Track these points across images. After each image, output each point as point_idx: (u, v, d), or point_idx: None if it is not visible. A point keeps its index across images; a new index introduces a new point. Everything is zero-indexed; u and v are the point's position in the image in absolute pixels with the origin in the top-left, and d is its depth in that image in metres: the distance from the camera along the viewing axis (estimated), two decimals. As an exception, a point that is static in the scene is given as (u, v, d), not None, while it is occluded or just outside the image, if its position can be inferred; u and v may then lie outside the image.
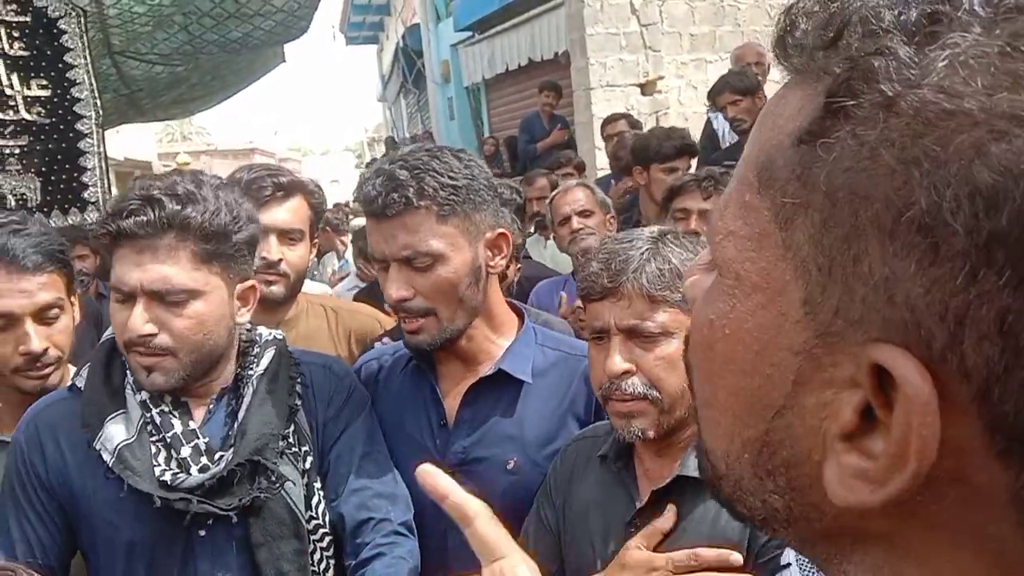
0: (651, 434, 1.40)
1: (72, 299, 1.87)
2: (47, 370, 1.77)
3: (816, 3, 0.43)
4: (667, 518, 1.38)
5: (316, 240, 2.31)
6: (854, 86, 0.39)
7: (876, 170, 0.37)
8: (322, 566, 1.62)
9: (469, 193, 1.60)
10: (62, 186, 5.42)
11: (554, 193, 3.59)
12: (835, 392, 0.41)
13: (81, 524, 1.56)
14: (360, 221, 8.91)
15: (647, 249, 1.42)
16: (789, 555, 1.36)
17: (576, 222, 3.36)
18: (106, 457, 1.50)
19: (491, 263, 1.67)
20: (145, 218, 1.41)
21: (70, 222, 5.40)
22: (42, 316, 1.76)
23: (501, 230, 1.67)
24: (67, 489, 1.55)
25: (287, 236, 2.17)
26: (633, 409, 1.40)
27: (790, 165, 0.42)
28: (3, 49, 5.16)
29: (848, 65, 0.39)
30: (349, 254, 7.41)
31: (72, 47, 5.44)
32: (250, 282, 1.60)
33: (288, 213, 2.18)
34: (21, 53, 5.27)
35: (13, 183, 5.26)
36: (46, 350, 1.75)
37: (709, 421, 0.51)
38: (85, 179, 5.54)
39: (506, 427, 1.70)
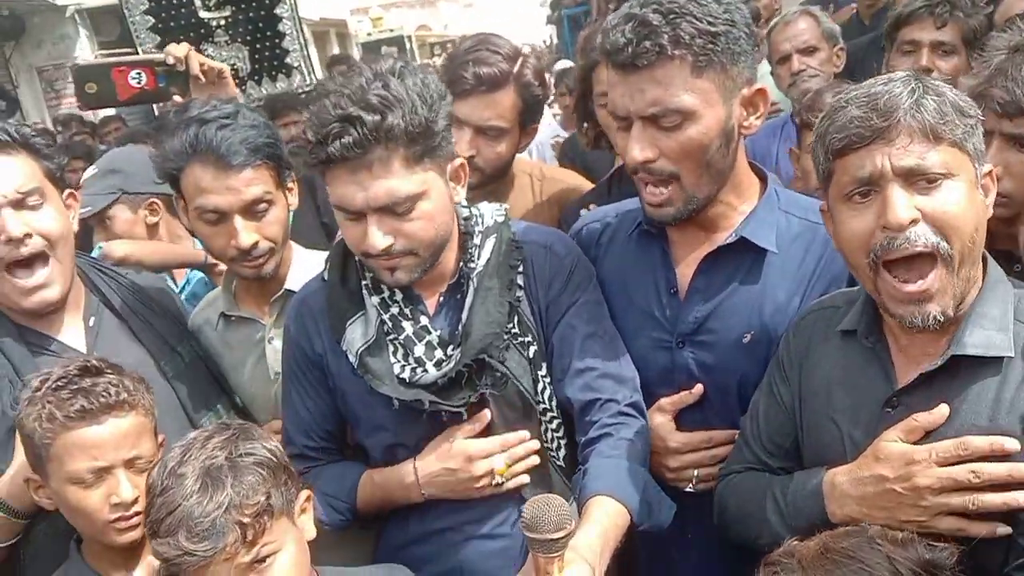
0: (946, 315, 1.21)
1: (288, 188, 1.88)
2: (259, 261, 1.83)
3: None
4: (935, 416, 1.22)
5: (534, 126, 2.16)
6: None
7: None
8: (554, 445, 1.66)
9: (728, 42, 1.44)
10: (267, 53, 5.59)
11: (773, 23, 3.24)
12: None
13: (342, 396, 1.69)
14: (564, 64, 8.55)
15: (914, 86, 1.20)
16: None
17: (797, 62, 3.03)
18: (351, 358, 1.59)
19: (744, 123, 1.53)
20: (350, 139, 1.40)
21: (278, 88, 5.61)
22: (251, 211, 1.79)
23: (759, 86, 1.51)
24: (330, 368, 1.68)
25: (483, 132, 2.07)
26: (927, 289, 1.20)
27: None
28: (199, -79, 5.25)
29: None
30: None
31: (258, -88, 5.48)
32: (459, 160, 1.57)
33: (488, 110, 2.06)
34: (215, -76, 5.35)
35: (224, 54, 5.45)
36: (256, 243, 1.79)
37: None
38: (285, 44, 5.68)
39: (745, 298, 1.60)
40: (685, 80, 1.43)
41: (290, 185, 1.90)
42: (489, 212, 1.68)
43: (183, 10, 5.25)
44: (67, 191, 1.81)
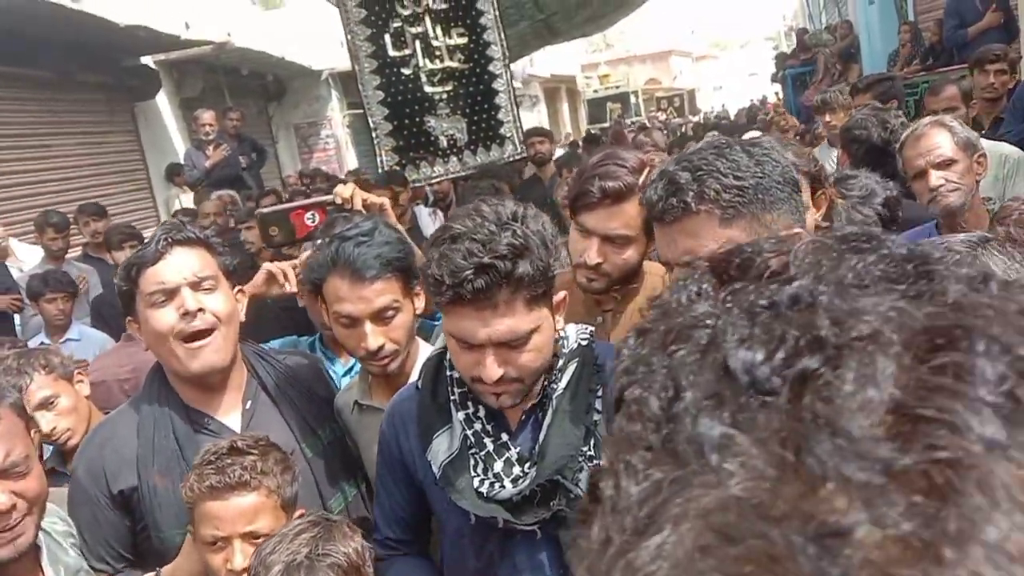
0: None
1: (415, 294, 2.06)
2: (385, 360, 2.01)
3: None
4: None
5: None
6: None
7: None
8: None
9: (758, 192, 1.49)
10: (483, 124, 5.95)
11: (904, 136, 3.01)
12: None
13: (429, 500, 1.83)
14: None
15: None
16: None
17: (934, 177, 2.83)
18: (434, 469, 1.71)
19: None
20: (482, 282, 1.50)
21: (492, 157, 5.98)
22: (380, 317, 1.98)
23: (798, 230, 1.53)
24: (417, 472, 1.81)
25: (610, 241, 2.14)
26: None
27: None
28: (428, 5, 5.70)
29: None
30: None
31: (481, -5, 5.85)
32: (562, 294, 1.67)
33: (613, 220, 2.12)
34: (442, 6, 5.76)
35: (444, 125, 5.89)
36: (382, 346, 1.98)
37: None
38: (500, 116, 6.02)
39: None
40: (713, 231, 1.48)
41: (416, 291, 2.07)
42: (574, 335, 1.75)
43: (410, 85, 5.72)
44: (237, 288, 2.14)
